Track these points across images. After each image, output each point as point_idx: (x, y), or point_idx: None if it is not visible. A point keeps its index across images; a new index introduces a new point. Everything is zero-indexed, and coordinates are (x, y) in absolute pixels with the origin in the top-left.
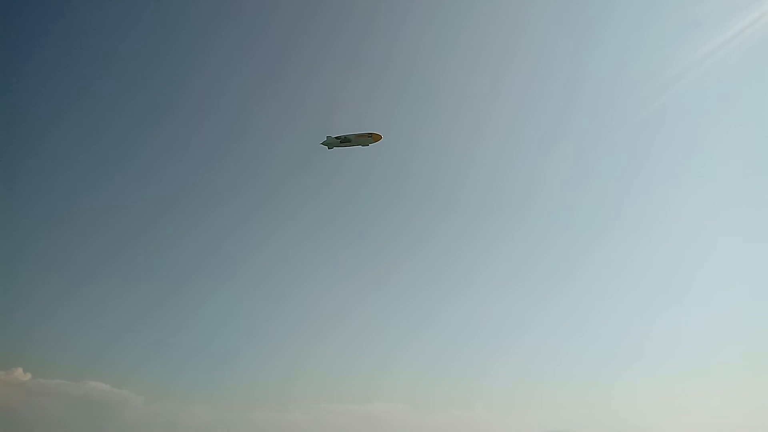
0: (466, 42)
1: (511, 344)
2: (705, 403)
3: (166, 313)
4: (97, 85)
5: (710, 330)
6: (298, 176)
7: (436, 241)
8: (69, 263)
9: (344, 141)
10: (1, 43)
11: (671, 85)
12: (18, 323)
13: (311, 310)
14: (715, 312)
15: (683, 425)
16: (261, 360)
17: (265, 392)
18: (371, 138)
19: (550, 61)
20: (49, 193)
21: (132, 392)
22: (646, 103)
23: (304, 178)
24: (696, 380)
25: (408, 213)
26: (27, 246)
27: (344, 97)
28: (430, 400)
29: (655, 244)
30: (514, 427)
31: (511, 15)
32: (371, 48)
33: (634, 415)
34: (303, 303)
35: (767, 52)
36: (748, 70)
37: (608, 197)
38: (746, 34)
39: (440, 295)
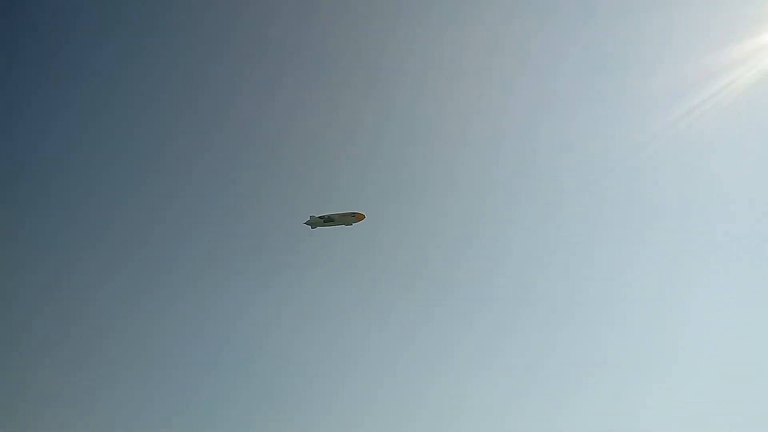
0: (451, 125)
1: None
2: None
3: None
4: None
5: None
6: (281, 255)
7: (414, 322)
8: None
9: (328, 220)
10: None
11: (618, 166)
12: None
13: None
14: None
15: None
16: None
17: None
18: (354, 217)
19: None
20: None
21: None
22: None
23: (287, 257)
24: None
25: (390, 294)
26: None
27: (327, 176)
28: None
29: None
30: None
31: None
32: (351, 128)
33: None
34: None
35: (728, 123)
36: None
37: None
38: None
39: (419, 390)
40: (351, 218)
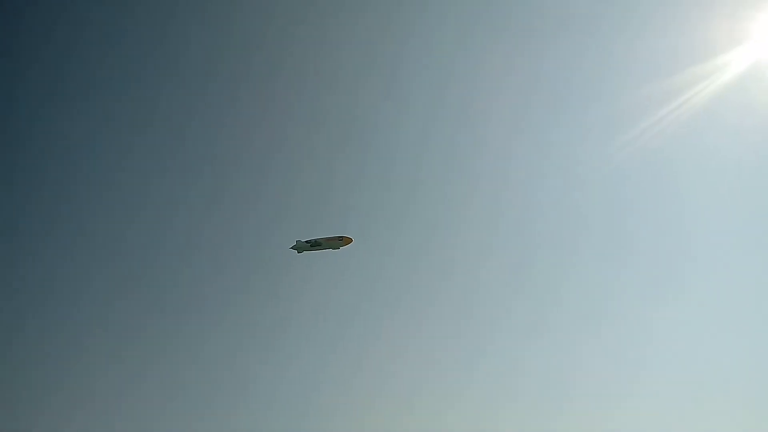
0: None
1: None
2: None
3: None
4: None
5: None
6: (267, 281)
7: (405, 348)
8: None
9: (314, 245)
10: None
11: (590, 175)
12: None
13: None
14: None
15: None
16: None
17: None
18: (342, 241)
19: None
20: None
21: None
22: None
23: (273, 283)
24: None
25: (381, 315)
26: None
27: (314, 200)
28: None
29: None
30: None
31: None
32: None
33: None
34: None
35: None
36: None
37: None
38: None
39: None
40: (338, 242)
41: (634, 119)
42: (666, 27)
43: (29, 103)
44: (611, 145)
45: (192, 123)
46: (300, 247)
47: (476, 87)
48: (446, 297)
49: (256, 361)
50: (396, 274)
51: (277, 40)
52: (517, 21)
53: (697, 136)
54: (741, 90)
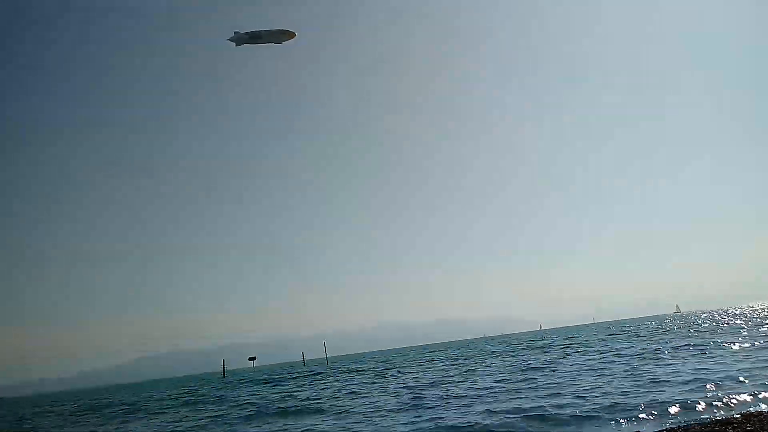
0: None
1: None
2: None
3: None
4: None
5: None
6: (203, 74)
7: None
8: None
9: (254, 37)
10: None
11: None
12: None
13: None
14: None
15: None
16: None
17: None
18: (285, 35)
19: None
20: None
21: None
22: None
23: (209, 75)
24: None
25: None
26: None
27: None
28: None
29: None
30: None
31: None
32: None
33: None
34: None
35: None
36: None
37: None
38: None
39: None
40: (281, 35)
41: None
42: None
43: None
44: None
45: None
46: (239, 38)
47: None
48: (385, 85)
49: (187, 149)
50: (340, 71)
51: None
52: None
53: None
54: None
